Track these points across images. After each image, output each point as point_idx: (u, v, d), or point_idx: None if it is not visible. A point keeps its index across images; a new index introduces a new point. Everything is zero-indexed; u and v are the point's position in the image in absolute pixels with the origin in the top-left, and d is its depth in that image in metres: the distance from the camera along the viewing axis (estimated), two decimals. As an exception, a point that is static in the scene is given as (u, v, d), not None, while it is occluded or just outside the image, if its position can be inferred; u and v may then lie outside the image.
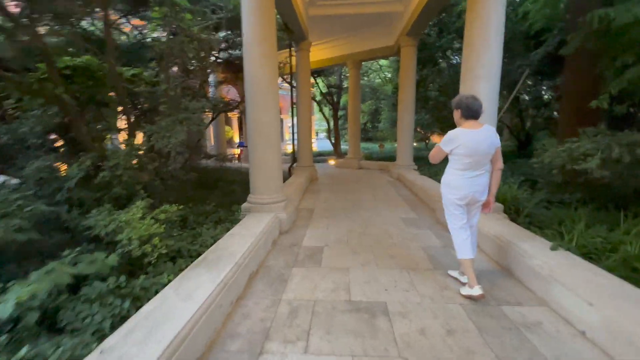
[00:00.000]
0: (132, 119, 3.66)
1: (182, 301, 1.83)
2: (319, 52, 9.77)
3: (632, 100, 3.10)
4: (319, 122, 25.66)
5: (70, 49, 3.89)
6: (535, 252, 2.43)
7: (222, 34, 6.76)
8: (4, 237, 2.09)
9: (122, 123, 4.11)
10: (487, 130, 2.29)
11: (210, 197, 4.83)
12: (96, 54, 3.17)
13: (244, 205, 3.91)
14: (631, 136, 2.70)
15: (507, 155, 5.10)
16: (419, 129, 13.12)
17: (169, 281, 2.06)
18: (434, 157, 2.51)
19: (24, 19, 3.15)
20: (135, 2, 4.58)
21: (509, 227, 3.08)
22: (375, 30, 8.49)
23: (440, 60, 9.14)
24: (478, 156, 2.27)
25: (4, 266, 2.26)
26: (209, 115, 7.93)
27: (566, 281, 2.01)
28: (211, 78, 9.54)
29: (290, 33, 6.68)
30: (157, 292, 1.96)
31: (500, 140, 2.39)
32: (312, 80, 11.70)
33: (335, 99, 13.71)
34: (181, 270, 2.28)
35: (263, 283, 2.54)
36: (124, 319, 1.73)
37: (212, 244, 2.75)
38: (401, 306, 2.17)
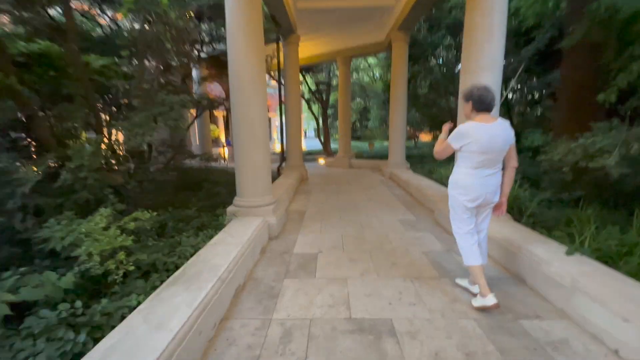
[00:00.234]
0: (102, 115, 3.30)
1: (152, 331, 1.52)
2: (307, 48, 9.46)
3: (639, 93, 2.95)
4: (307, 121, 25.38)
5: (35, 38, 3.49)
6: (551, 258, 2.22)
7: (205, 26, 6.37)
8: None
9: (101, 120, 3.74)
10: (501, 124, 2.06)
11: (193, 199, 4.48)
12: (54, 41, 2.77)
13: (230, 208, 3.58)
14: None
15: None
16: (407, 127, 13.00)
17: (139, 303, 1.74)
18: (440, 153, 2.27)
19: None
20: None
21: (516, 229, 2.88)
22: (366, 25, 8.25)
23: (432, 57, 8.97)
24: (492, 153, 2.04)
25: None
26: (192, 113, 7.51)
27: (593, 292, 1.80)
28: (195, 74, 9.13)
29: (277, 26, 6.36)
30: (123, 318, 1.64)
31: None
32: (300, 77, 11.38)
33: (324, 97, 13.43)
34: (155, 288, 1.95)
35: (251, 299, 2.24)
36: (78, 356, 1.40)
37: (192, 255, 2.43)
38: (409, 324, 1.91)
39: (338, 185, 6.71)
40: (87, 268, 1.70)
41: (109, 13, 5.56)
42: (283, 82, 7.41)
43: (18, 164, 2.98)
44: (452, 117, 9.57)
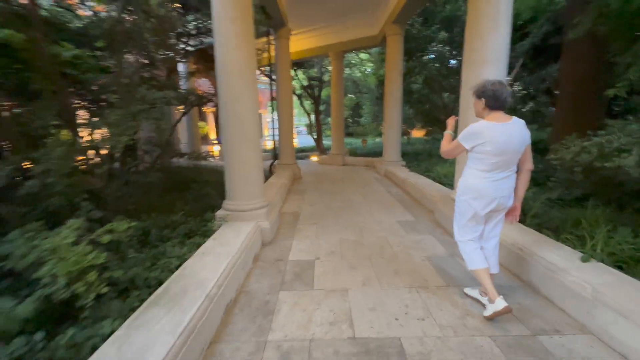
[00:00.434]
0: (84, 113, 3.01)
1: (126, 367, 1.29)
2: (299, 42, 9.18)
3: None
4: (298, 117, 25.03)
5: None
6: (567, 266, 2.07)
7: (191, 17, 6.04)
8: None
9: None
10: (517, 123, 1.88)
11: (180, 202, 4.20)
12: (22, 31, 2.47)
13: (219, 213, 3.34)
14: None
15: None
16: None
17: (113, 332, 1.50)
18: (448, 152, 2.09)
19: None
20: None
21: (523, 232, 2.73)
22: (359, 18, 8.01)
23: (426, 52, 8.79)
24: (507, 155, 1.86)
25: None
26: (180, 110, 7.17)
27: (619, 306, 1.64)
28: (182, 69, 8.75)
29: (268, 18, 6.07)
30: (94, 350, 1.41)
31: None
32: (292, 73, 11.06)
33: (316, 92, 13.15)
34: (134, 309, 1.72)
35: (243, 317, 2.03)
36: (35, 403, 1.17)
37: (178, 268, 2.20)
38: (420, 343, 1.73)
39: (332, 184, 6.51)
40: (51, 292, 1.46)
41: (90, 3, 5.19)
42: (274, 77, 7.14)
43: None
44: (447, 114, 9.45)
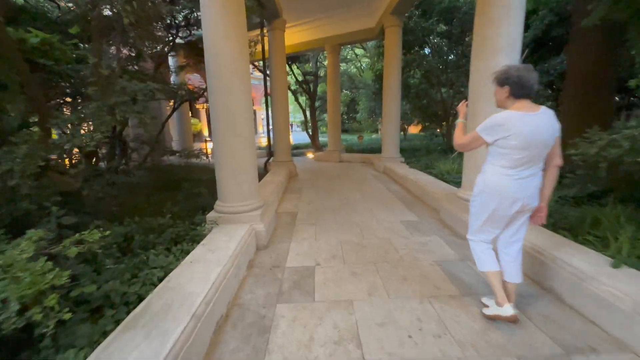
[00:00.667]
0: (48, 106, 2.72)
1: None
2: (294, 36, 8.88)
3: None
4: (293, 114, 24.69)
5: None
6: (595, 272, 1.86)
7: (179, 7, 5.70)
8: None
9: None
10: (546, 113, 1.66)
11: (170, 203, 3.93)
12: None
13: (210, 215, 3.09)
14: None
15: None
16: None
17: (78, 364, 1.25)
18: (464, 145, 1.87)
19: None
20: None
21: (540, 233, 2.52)
22: (356, 10, 7.73)
23: (425, 45, 8.56)
24: (535, 149, 1.64)
25: None
26: (171, 105, 6.86)
27: (666, 322, 1.44)
28: (172, 63, 8.41)
29: (261, 8, 5.77)
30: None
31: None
32: (287, 68, 10.73)
33: (312, 88, 12.85)
34: (106, 335, 1.47)
35: (236, 336, 1.79)
36: None
37: (162, 280, 1.95)
38: (438, 367, 1.51)
39: (330, 181, 6.27)
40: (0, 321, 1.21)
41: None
42: (268, 72, 6.85)
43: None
44: (445, 109, 9.20)
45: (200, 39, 6.62)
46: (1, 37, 2.05)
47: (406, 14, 7.45)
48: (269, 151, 7.47)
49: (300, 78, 12.70)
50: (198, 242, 2.57)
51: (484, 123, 1.71)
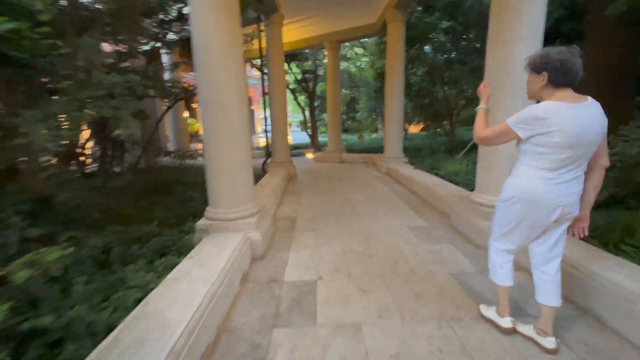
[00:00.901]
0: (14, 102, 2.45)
1: None
2: (293, 32, 8.59)
3: None
4: (292, 114, 24.41)
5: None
6: (647, 293, 1.59)
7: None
8: None
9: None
10: (594, 105, 1.39)
11: (160, 208, 3.65)
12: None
13: (201, 222, 2.80)
14: None
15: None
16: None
17: None
18: (487, 139, 1.60)
19: None
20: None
21: (571, 242, 2.23)
22: (356, 5, 7.44)
23: (428, 41, 8.28)
24: (581, 148, 1.37)
25: None
26: (167, 103, 6.57)
27: None
28: (167, 61, 8.13)
29: (258, 1, 5.49)
30: None
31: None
32: (285, 66, 10.44)
33: (311, 86, 12.57)
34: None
35: (224, 372, 1.51)
36: None
37: (139, 302, 1.66)
38: (470, 416, 1.23)
39: (331, 183, 5.99)
40: None
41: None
42: (266, 70, 6.58)
43: None
44: (448, 108, 8.91)
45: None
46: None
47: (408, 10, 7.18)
48: (267, 151, 7.19)
49: (299, 77, 12.42)
50: (185, 254, 2.29)
51: (520, 115, 1.43)
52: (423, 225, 3.49)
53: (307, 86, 12.45)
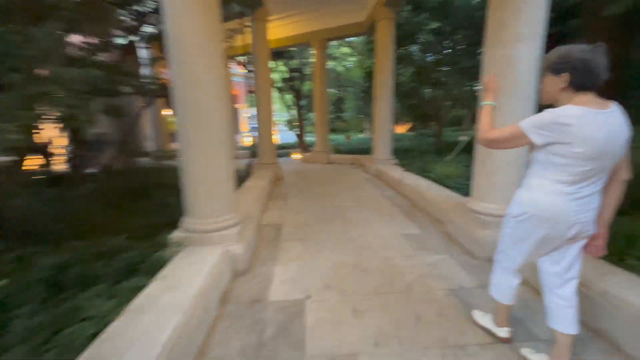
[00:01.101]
0: None
1: None
2: (279, 29, 8.32)
3: None
4: (279, 112, 24.02)
5: None
6: (667, 316, 1.45)
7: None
8: None
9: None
10: (619, 112, 1.23)
11: (131, 216, 3.33)
12: None
13: (176, 234, 2.53)
14: None
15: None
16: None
17: None
18: (495, 142, 1.42)
19: None
20: None
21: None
22: (344, 3, 7.27)
23: (416, 41, 8.19)
24: (606, 159, 1.21)
25: None
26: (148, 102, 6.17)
27: None
28: (145, 56, 7.68)
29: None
30: None
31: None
32: (272, 64, 10.11)
33: (297, 85, 12.30)
34: None
35: None
36: None
37: (91, 340, 1.39)
38: None
39: (319, 186, 5.77)
40: None
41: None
42: (251, 68, 6.29)
43: None
44: (436, 108, 8.84)
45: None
46: None
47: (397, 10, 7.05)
48: (253, 152, 6.90)
49: (286, 75, 12.13)
50: (157, 272, 2.01)
51: (537, 118, 1.25)
52: (416, 232, 3.33)
53: (294, 85, 12.18)
